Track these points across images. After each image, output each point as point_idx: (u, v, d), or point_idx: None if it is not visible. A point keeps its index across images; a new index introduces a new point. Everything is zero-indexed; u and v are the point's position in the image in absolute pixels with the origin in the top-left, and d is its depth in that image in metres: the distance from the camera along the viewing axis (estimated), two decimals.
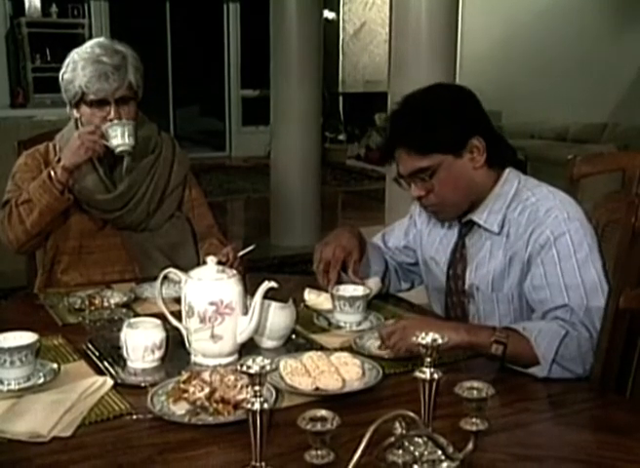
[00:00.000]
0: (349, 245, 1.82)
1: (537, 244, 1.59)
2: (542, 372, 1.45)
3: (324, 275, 1.80)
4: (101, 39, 2.20)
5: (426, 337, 1.05)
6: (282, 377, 1.37)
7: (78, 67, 2.07)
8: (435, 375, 1.03)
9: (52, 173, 2.04)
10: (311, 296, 1.82)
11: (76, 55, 2.11)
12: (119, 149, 2.05)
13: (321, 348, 1.56)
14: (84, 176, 2.16)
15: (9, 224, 2.10)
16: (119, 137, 2.03)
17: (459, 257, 1.76)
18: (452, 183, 1.66)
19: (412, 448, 1.04)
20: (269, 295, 1.52)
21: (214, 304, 1.45)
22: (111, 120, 2.08)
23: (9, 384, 1.35)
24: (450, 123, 1.64)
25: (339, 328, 1.70)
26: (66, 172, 2.04)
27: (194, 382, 1.29)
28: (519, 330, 1.48)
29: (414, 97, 1.71)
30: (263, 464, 1.01)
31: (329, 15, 10.27)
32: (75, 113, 2.17)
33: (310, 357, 1.42)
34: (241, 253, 1.96)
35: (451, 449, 1.04)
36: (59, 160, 2.07)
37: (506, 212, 1.67)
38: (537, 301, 1.59)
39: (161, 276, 1.59)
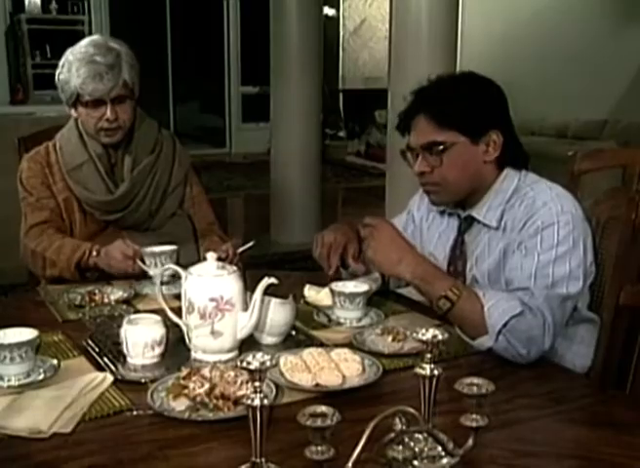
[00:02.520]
0: (350, 234, 1.83)
1: (527, 233, 1.61)
2: (489, 342, 1.50)
3: (326, 259, 1.79)
4: (96, 37, 2.20)
5: (426, 334, 1.05)
6: (282, 373, 1.37)
7: (73, 68, 2.07)
8: (435, 372, 1.03)
9: (85, 256, 2.04)
10: (311, 293, 1.82)
11: (71, 55, 2.10)
12: (149, 291, 1.92)
13: (321, 344, 1.56)
14: (85, 177, 2.16)
15: (32, 260, 2.14)
16: (153, 267, 1.91)
17: (458, 254, 1.76)
18: (460, 166, 1.66)
19: (412, 443, 1.04)
20: (269, 292, 1.52)
21: (214, 300, 1.45)
22: (108, 119, 2.08)
23: (9, 380, 1.35)
24: (477, 105, 1.66)
25: (339, 324, 1.70)
26: (95, 266, 2.03)
27: (194, 378, 1.29)
28: (479, 294, 1.53)
29: (446, 77, 1.75)
30: (263, 460, 1.01)
31: (329, 11, 10.26)
32: (73, 113, 2.17)
33: (310, 353, 1.42)
34: (240, 250, 1.95)
35: (451, 445, 1.04)
36: (98, 253, 2.03)
37: (505, 206, 1.68)
38: (507, 279, 1.61)
39: (161, 272, 1.59)
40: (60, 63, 2.12)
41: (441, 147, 1.64)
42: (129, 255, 1.97)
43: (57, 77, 2.13)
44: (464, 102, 1.65)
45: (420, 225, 1.89)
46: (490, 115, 1.68)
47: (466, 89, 1.69)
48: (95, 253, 2.04)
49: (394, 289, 1.98)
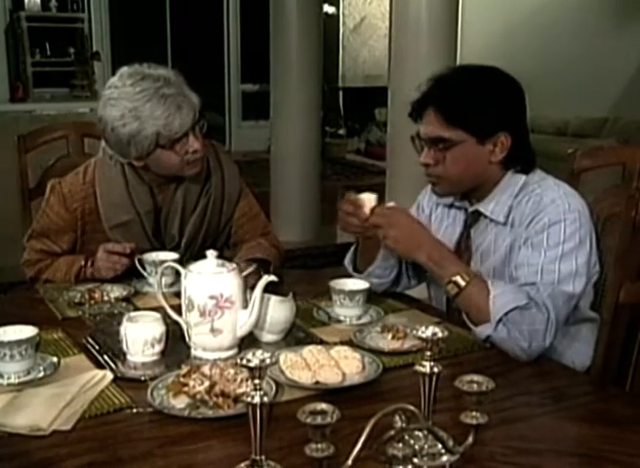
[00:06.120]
0: None
1: (534, 230, 1.61)
2: (488, 330, 1.52)
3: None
4: (126, 70, 1.88)
5: (426, 331, 1.05)
6: (282, 371, 1.37)
7: (140, 113, 1.81)
8: (435, 369, 1.03)
9: (81, 272, 1.97)
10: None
11: (123, 102, 1.82)
12: (149, 288, 1.88)
13: (321, 342, 1.56)
14: (131, 237, 1.99)
15: (33, 283, 2.07)
16: (154, 275, 1.83)
17: (464, 248, 1.76)
18: (463, 165, 1.66)
19: (412, 441, 1.04)
20: (269, 289, 1.52)
21: (214, 298, 1.45)
22: (196, 150, 1.90)
23: (9, 378, 1.35)
24: (489, 106, 1.64)
25: (338, 322, 1.70)
26: (92, 277, 1.96)
27: (194, 376, 1.29)
28: (488, 283, 1.55)
29: (466, 69, 1.73)
30: (263, 457, 1.01)
31: (329, 9, 10.23)
32: (136, 163, 1.93)
33: (310, 351, 1.42)
34: (244, 274, 1.67)
35: (451, 443, 1.04)
36: (92, 263, 1.96)
37: (513, 202, 1.68)
38: (514, 275, 1.61)
39: (161, 270, 1.59)
40: (114, 117, 1.83)
41: (446, 144, 1.64)
42: (112, 251, 1.92)
43: (112, 132, 1.85)
44: (476, 102, 1.63)
45: (429, 218, 1.89)
46: (501, 117, 1.65)
47: (482, 87, 1.66)
48: (89, 264, 1.98)
49: (402, 291, 1.97)
